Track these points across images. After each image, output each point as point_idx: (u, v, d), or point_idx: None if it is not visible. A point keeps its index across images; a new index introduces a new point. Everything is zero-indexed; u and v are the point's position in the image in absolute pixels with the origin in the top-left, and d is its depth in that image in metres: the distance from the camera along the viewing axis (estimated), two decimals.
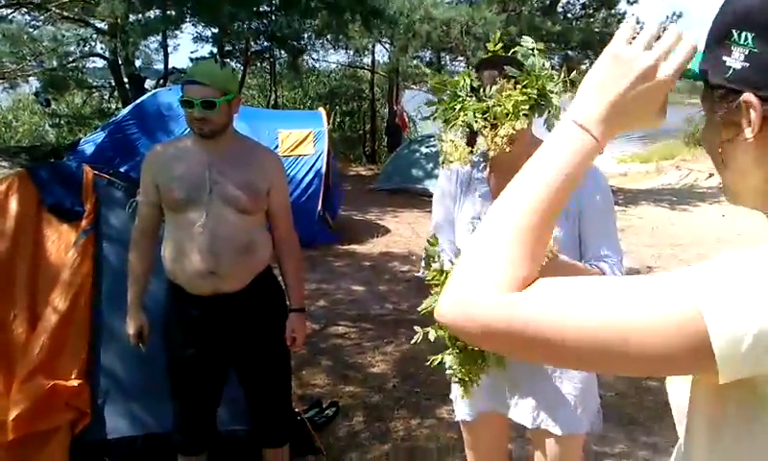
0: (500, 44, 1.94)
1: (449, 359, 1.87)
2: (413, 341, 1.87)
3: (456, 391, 2.17)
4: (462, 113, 1.78)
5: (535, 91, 1.75)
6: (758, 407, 0.73)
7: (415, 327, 1.88)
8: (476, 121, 1.75)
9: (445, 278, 1.74)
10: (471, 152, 1.80)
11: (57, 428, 3.07)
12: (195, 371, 2.69)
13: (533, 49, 1.87)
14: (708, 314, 0.68)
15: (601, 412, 2.12)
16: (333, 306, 6.05)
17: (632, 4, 16.22)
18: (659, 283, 0.73)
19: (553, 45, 15.50)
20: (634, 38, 0.83)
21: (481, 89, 1.78)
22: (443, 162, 1.85)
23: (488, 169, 2.03)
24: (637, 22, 0.86)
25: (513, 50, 1.89)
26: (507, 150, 1.72)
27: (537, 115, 1.85)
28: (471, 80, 1.82)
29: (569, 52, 15.07)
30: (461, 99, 1.81)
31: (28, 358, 3.07)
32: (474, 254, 0.83)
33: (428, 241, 1.84)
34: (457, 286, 0.82)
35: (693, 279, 0.71)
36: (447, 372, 1.93)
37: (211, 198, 2.52)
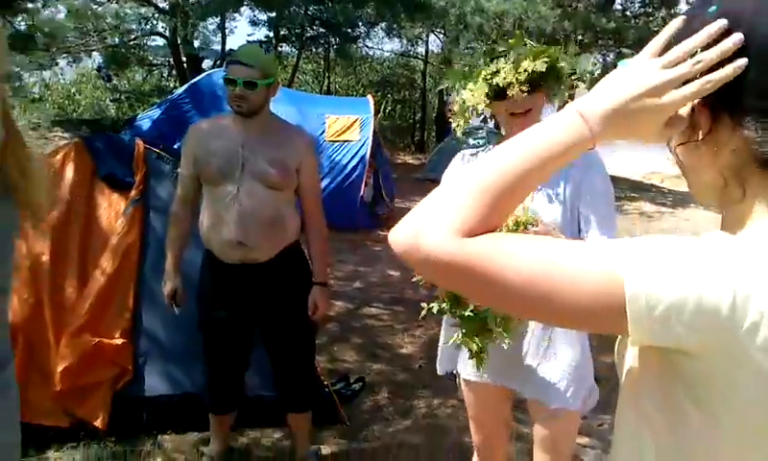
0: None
1: (460, 333, 1.99)
2: (420, 316, 2.01)
3: (441, 351, 2.32)
4: (488, 68, 2.00)
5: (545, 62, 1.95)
6: (668, 373, 0.81)
7: (422, 304, 2.02)
8: (498, 64, 1.98)
9: None
10: (488, 95, 1.99)
11: (100, 383, 3.31)
12: (224, 333, 2.88)
13: None
14: (627, 279, 0.75)
15: (596, 390, 2.21)
16: (368, 288, 6.20)
17: (691, 4, 15.78)
18: (593, 248, 0.81)
19: (610, 42, 15.29)
20: (664, 50, 0.84)
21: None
22: (462, 111, 2.04)
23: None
24: (683, 30, 0.84)
25: None
26: (524, 93, 1.93)
27: (555, 87, 2.03)
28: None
29: (624, 50, 14.80)
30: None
31: (76, 316, 3.31)
32: (445, 194, 0.87)
33: None
34: (417, 216, 0.86)
35: (623, 248, 0.78)
36: (460, 344, 2.05)
37: (243, 173, 2.69)
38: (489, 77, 1.98)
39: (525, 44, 2.04)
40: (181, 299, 2.94)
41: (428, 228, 0.84)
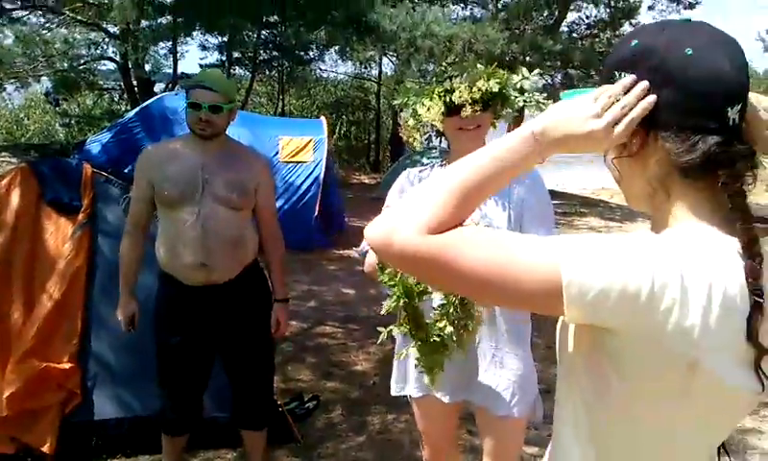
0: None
1: (413, 351, 2.05)
2: (378, 341, 2.06)
3: (396, 371, 2.37)
4: (441, 86, 2.09)
5: (497, 83, 2.06)
6: (596, 347, 0.97)
7: (378, 328, 2.08)
8: (453, 83, 2.06)
9: (399, 279, 1.91)
10: (444, 112, 2.07)
11: (48, 407, 3.26)
12: (182, 356, 2.88)
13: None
14: (564, 269, 0.90)
15: (540, 400, 2.30)
16: (323, 307, 6.24)
17: (635, 26, 16.42)
18: (539, 241, 0.95)
19: (557, 63, 15.74)
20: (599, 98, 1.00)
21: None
22: (414, 125, 2.13)
23: (447, 165, 2.24)
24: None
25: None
26: (477, 112, 2.04)
27: (500, 109, 2.12)
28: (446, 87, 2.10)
29: (570, 70, 15.25)
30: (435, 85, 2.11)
31: (23, 341, 3.27)
32: (412, 198, 1.01)
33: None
34: (390, 217, 1.00)
35: (564, 243, 0.93)
36: (413, 363, 2.10)
37: (203, 196, 2.73)
38: (443, 94, 2.07)
39: (476, 67, 2.13)
40: (138, 323, 2.94)
41: (399, 226, 0.98)
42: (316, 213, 8.31)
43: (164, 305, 2.90)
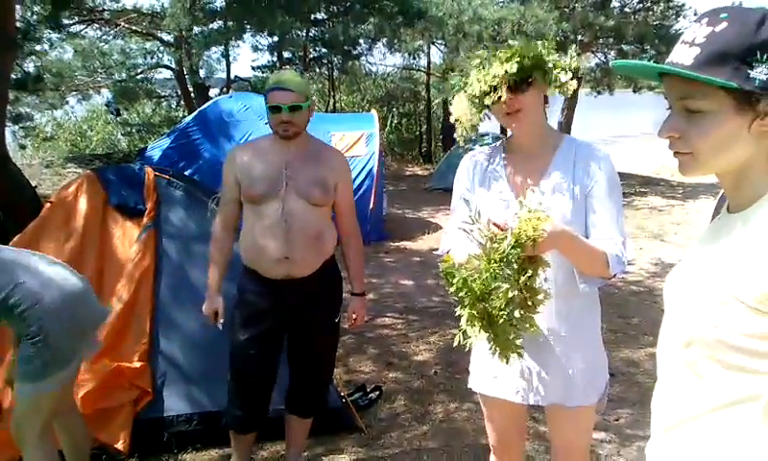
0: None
1: (485, 337, 1.92)
2: (455, 343, 1.95)
3: (475, 362, 2.32)
4: (468, 83, 2.06)
5: (528, 61, 1.98)
6: None
7: (454, 332, 2.06)
8: (480, 86, 2.02)
9: (467, 287, 1.83)
10: (479, 114, 2.08)
11: (121, 406, 3.37)
12: (255, 350, 2.94)
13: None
14: None
15: (608, 386, 2.24)
16: (382, 299, 6.28)
17: None
18: None
19: (610, 40, 15.36)
20: None
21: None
22: (457, 127, 2.12)
23: (504, 151, 2.19)
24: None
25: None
26: (501, 97, 1.98)
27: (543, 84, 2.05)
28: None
29: (624, 47, 14.84)
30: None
31: None
32: None
33: (440, 263, 1.91)
34: None
35: None
36: (489, 350, 1.98)
37: (287, 192, 2.80)
38: (464, 88, 2.04)
39: (510, 48, 2.03)
40: (222, 316, 2.99)
41: None
42: (371, 206, 8.36)
43: (246, 300, 2.96)
